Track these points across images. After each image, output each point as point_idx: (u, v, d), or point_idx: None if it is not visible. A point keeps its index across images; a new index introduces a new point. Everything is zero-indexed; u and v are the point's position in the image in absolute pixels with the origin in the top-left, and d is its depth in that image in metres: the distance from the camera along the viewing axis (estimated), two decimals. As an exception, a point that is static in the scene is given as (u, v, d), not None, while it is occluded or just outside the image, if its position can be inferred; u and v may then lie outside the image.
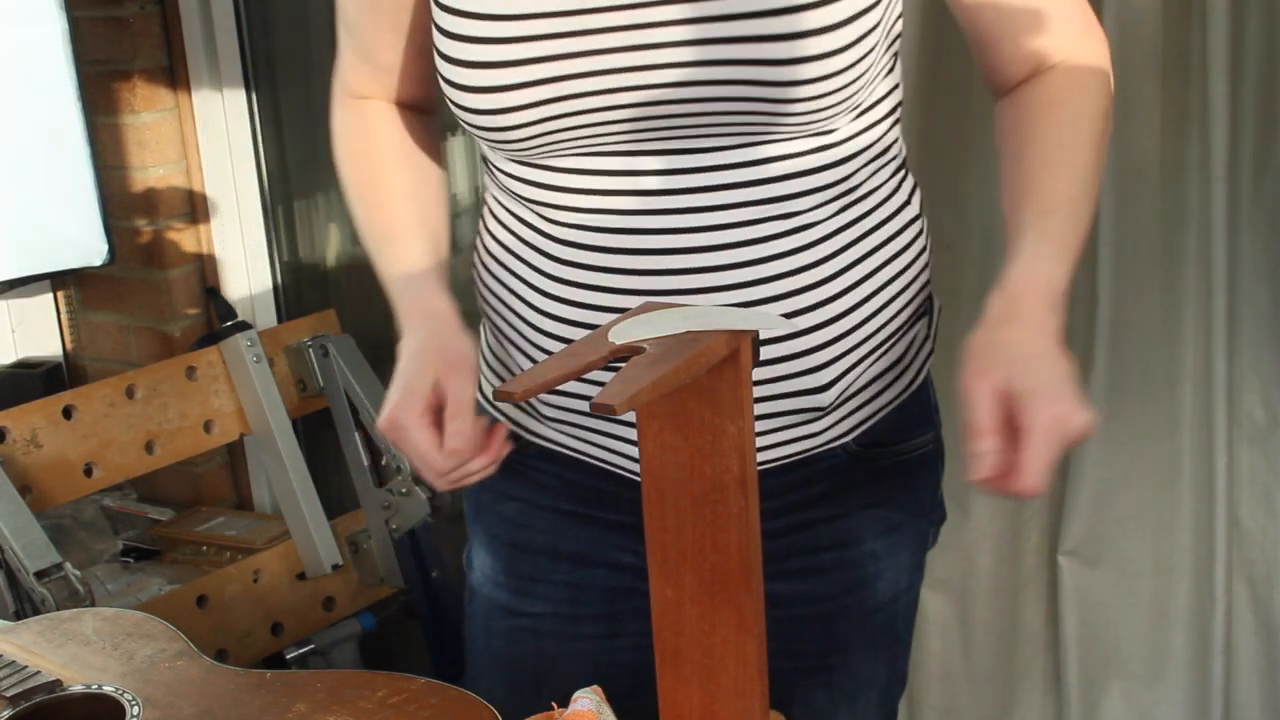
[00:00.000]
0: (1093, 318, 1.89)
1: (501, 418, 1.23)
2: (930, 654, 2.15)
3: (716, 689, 0.99)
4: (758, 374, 1.01)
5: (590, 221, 1.10)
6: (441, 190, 1.26)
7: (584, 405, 1.14)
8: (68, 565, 1.92)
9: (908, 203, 1.19)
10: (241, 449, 2.54)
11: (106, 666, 1.17)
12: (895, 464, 1.22)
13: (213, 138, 2.48)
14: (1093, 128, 1.13)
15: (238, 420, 2.31)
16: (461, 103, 1.08)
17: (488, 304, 1.21)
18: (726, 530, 0.95)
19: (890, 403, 1.20)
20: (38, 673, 1.14)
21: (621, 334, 0.91)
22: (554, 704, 1.04)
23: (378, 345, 2.50)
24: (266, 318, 2.55)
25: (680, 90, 1.03)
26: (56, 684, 1.13)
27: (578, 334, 1.11)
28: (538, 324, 1.14)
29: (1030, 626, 2.09)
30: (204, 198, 2.51)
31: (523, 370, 1.18)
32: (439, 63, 1.09)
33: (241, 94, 2.47)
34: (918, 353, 1.22)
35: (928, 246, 1.21)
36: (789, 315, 1.09)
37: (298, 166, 2.57)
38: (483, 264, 1.21)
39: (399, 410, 1.09)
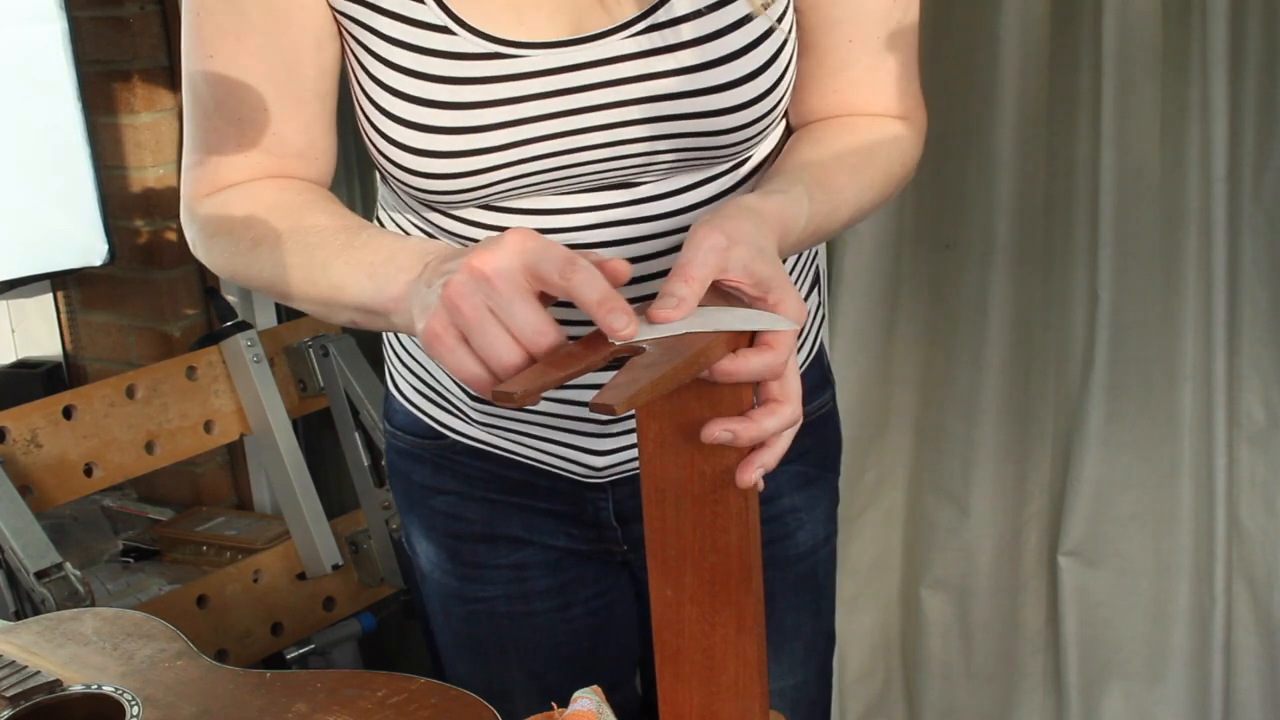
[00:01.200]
0: (1093, 318, 1.89)
1: (425, 419, 1.25)
2: (930, 654, 2.15)
3: (716, 689, 0.99)
4: None
5: None
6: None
7: (524, 413, 1.17)
8: (68, 565, 1.92)
9: None
10: (241, 449, 2.54)
11: (106, 666, 1.17)
12: (804, 424, 1.14)
13: (213, 138, 2.48)
14: (884, 162, 1.14)
15: (238, 420, 2.32)
16: (410, 166, 1.05)
17: (393, 357, 1.25)
18: (726, 530, 0.95)
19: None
20: (38, 673, 1.14)
21: (623, 335, 0.91)
22: (554, 704, 1.04)
23: (378, 345, 2.51)
24: (266, 318, 2.55)
25: (624, 138, 1.06)
26: (56, 684, 1.13)
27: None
28: None
29: (1030, 626, 2.09)
30: (204, 198, 2.51)
31: (445, 382, 1.20)
32: (382, 143, 1.05)
33: (241, 94, 2.47)
34: (814, 320, 1.28)
35: None
36: None
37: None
38: None
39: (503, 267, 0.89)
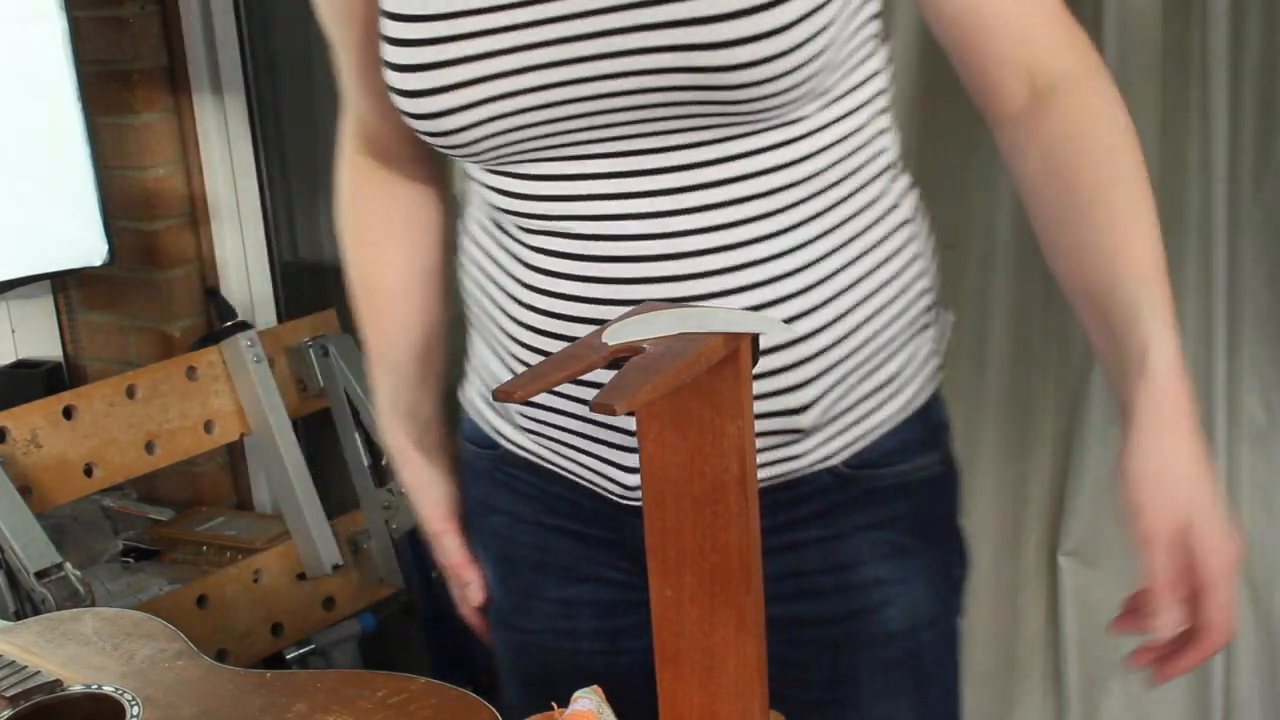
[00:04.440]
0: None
1: (484, 425, 1.22)
2: (930, 654, 2.15)
3: (716, 689, 0.99)
4: None
5: (556, 228, 1.06)
6: (436, 313, 1.29)
7: (557, 418, 1.12)
8: (68, 565, 1.92)
9: (896, 206, 1.11)
10: (241, 449, 2.54)
11: (106, 666, 1.17)
12: (894, 485, 1.13)
13: (213, 138, 2.48)
14: (1134, 161, 1.05)
15: (238, 420, 2.32)
16: (405, 109, 1.05)
17: (469, 309, 1.21)
18: (726, 530, 0.95)
19: (883, 423, 1.12)
20: (38, 673, 1.14)
21: (617, 334, 0.91)
22: (554, 704, 1.04)
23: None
24: (266, 318, 2.55)
25: (619, 82, 0.99)
26: (56, 684, 1.13)
27: (552, 345, 1.09)
28: (514, 334, 1.12)
29: (1030, 626, 2.09)
30: (204, 198, 2.51)
31: (509, 378, 1.16)
32: (384, 70, 1.06)
33: (241, 94, 2.47)
34: (919, 370, 1.14)
35: (924, 254, 1.14)
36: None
37: (297, 166, 2.57)
38: (465, 270, 1.20)
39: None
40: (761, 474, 1.09)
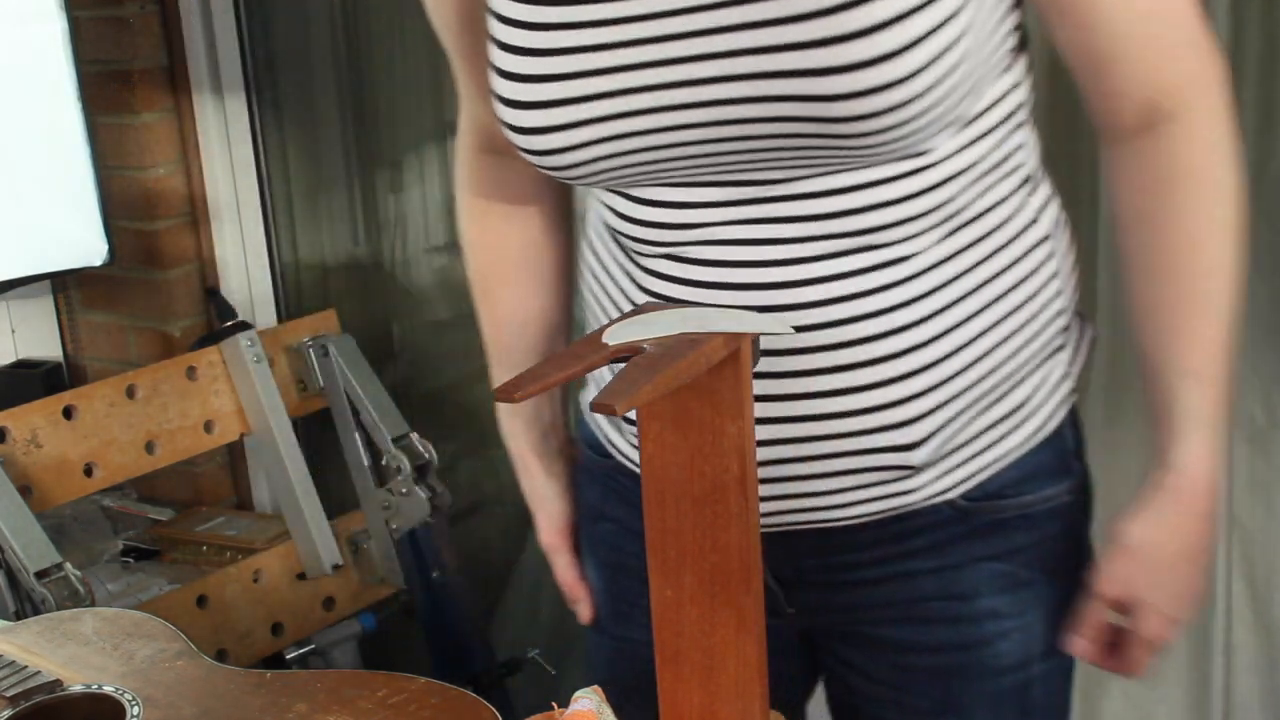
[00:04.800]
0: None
1: (597, 432, 1.20)
2: (930, 654, 2.15)
3: (716, 689, 0.99)
4: (834, 426, 1.00)
5: (672, 253, 1.03)
6: (555, 311, 1.26)
7: None
8: (68, 565, 1.92)
9: (1035, 221, 1.05)
10: (241, 449, 2.54)
11: (106, 666, 1.17)
12: (1017, 517, 1.08)
13: (213, 138, 2.48)
14: (1229, 219, 1.05)
15: (238, 420, 2.31)
16: (519, 144, 1.02)
17: (588, 313, 1.18)
18: (726, 530, 0.95)
19: (1006, 455, 1.07)
20: (38, 673, 1.14)
21: (619, 334, 0.91)
22: (554, 704, 1.04)
23: (377, 345, 2.50)
24: (266, 318, 2.55)
25: (729, 110, 0.94)
26: (56, 684, 1.13)
27: None
28: None
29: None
30: (204, 198, 2.51)
31: None
32: (494, 104, 1.03)
33: (241, 94, 2.47)
34: (1050, 395, 1.08)
35: (1062, 270, 1.08)
36: (878, 361, 0.99)
37: (298, 166, 2.57)
38: (583, 276, 1.18)
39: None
40: (868, 509, 1.06)
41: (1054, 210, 1.08)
